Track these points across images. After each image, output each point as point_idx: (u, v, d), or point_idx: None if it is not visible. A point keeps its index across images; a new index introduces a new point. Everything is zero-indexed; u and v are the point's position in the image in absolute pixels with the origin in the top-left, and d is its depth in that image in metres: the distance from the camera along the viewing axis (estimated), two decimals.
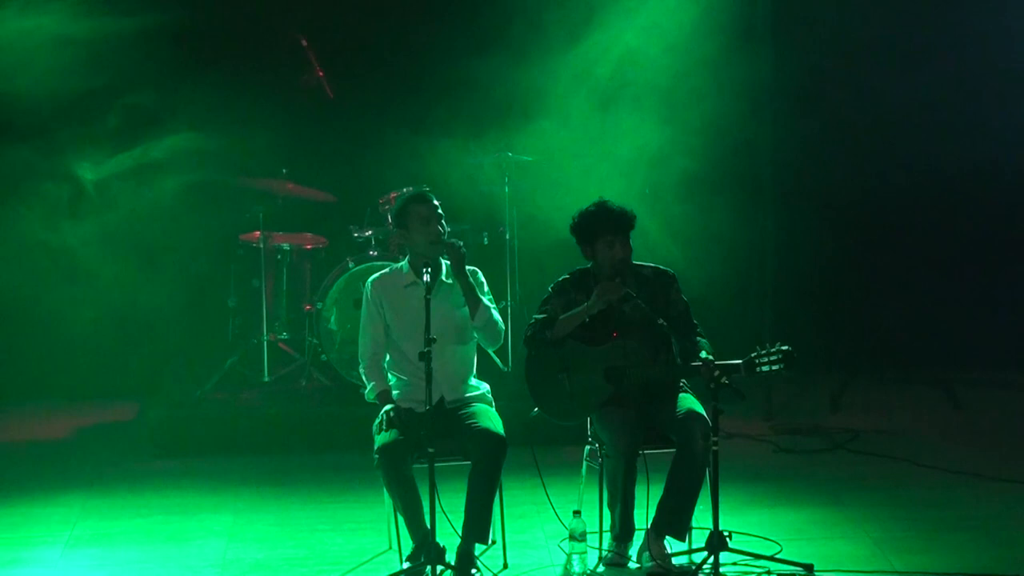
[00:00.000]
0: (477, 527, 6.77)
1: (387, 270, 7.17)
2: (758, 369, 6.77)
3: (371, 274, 7.21)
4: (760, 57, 10.19)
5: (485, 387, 7.18)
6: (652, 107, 10.18)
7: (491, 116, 10.37)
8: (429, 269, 6.82)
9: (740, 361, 6.77)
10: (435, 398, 6.77)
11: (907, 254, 10.74)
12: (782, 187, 10.38)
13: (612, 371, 6.91)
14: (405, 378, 7.04)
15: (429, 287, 6.77)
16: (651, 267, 7.12)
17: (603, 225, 6.96)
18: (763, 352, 6.76)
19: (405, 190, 9.70)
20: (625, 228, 6.98)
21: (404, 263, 7.12)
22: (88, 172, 10.28)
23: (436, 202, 7.03)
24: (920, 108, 10.43)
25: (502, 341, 7.08)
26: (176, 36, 10.27)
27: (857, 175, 10.64)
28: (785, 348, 6.75)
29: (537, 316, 7.03)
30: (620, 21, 10.17)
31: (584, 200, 7.09)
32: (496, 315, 7.01)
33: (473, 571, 6.75)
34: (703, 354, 6.84)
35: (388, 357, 7.10)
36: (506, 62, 10.26)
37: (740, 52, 10.28)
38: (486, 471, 6.77)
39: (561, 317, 6.96)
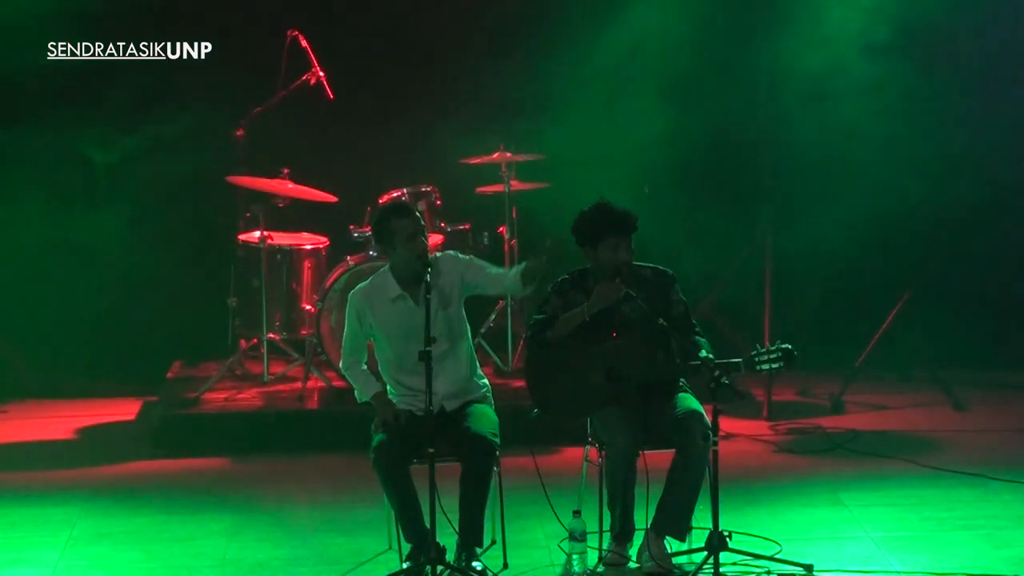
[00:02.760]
0: (471, 531, 6.78)
1: (368, 282, 7.05)
2: (758, 367, 6.76)
3: (372, 273, 7.18)
4: (762, 55, 10.18)
5: (485, 383, 7.15)
6: (652, 107, 10.16)
7: (492, 115, 10.36)
8: (430, 269, 6.80)
9: (740, 359, 6.77)
10: (435, 408, 6.76)
11: (908, 253, 10.72)
12: (783, 187, 10.36)
13: (612, 371, 6.90)
14: (402, 389, 7.00)
15: (428, 287, 6.74)
16: (650, 267, 7.10)
17: (606, 228, 6.92)
18: (763, 351, 6.76)
19: (406, 189, 9.73)
20: (628, 230, 6.94)
21: (387, 270, 7.03)
22: (97, 153, 10.29)
23: (418, 213, 6.97)
24: (922, 107, 10.42)
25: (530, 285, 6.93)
26: (171, 29, 10.31)
27: (858, 174, 10.62)
28: (785, 347, 6.75)
29: (537, 316, 7.02)
30: (621, 21, 10.16)
31: (585, 200, 7.06)
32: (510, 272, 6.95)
33: (474, 563, 6.76)
34: (703, 353, 6.84)
35: (381, 368, 7.06)
36: (506, 61, 10.25)
37: (742, 50, 10.28)
38: (474, 475, 6.78)
39: (561, 317, 6.95)
